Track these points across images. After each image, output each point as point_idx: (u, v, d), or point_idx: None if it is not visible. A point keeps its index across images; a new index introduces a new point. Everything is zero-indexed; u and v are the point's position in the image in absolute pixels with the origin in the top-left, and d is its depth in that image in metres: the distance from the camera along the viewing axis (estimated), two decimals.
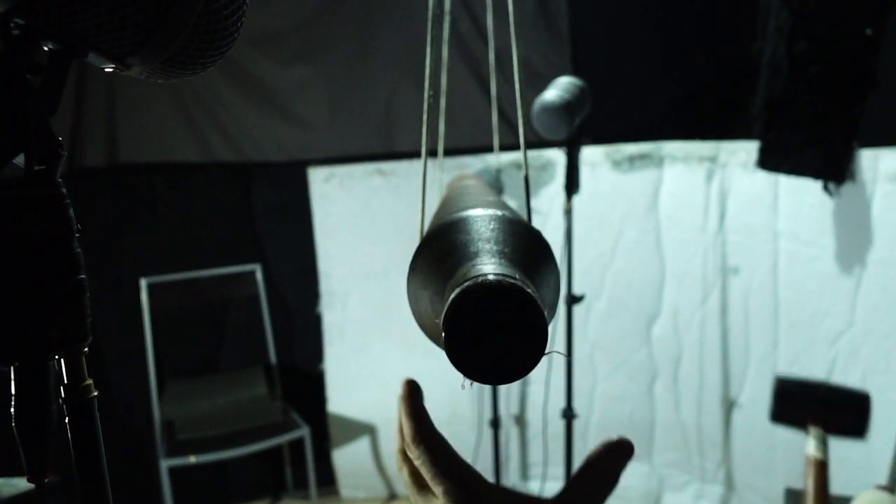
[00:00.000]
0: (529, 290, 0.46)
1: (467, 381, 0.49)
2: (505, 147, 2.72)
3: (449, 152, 2.78)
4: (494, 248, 0.55)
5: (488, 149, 2.73)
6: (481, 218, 0.59)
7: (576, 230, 2.27)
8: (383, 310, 2.85)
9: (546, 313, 0.47)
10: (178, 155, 2.68)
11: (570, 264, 2.18)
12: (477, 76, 2.76)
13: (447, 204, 0.80)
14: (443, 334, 0.46)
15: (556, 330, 2.44)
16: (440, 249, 0.58)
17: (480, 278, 0.47)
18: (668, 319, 2.65)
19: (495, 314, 0.46)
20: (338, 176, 2.79)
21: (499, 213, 0.60)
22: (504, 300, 0.46)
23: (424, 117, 0.83)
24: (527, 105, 1.80)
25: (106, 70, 0.55)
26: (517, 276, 0.48)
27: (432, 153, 2.82)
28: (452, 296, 0.47)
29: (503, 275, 0.47)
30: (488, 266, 0.50)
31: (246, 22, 0.55)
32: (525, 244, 0.57)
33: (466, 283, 0.47)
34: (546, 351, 0.48)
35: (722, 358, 2.54)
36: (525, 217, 0.72)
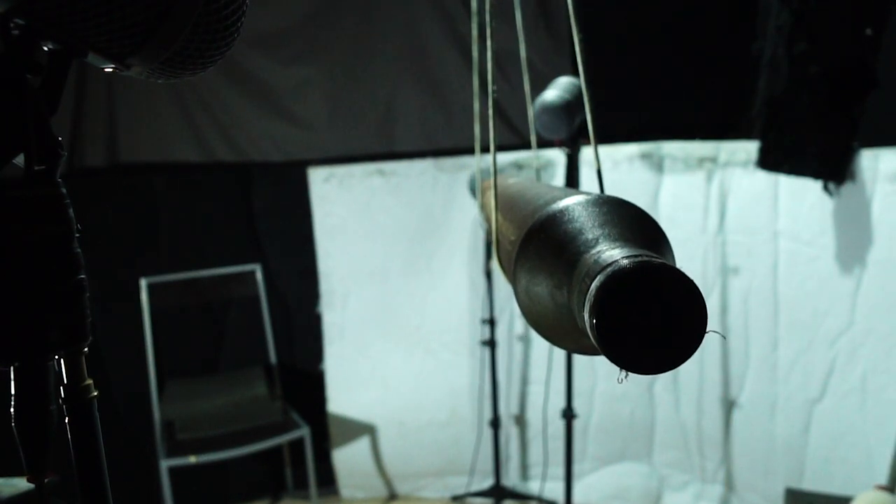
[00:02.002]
0: (682, 269, 0.43)
1: (623, 374, 0.45)
2: (504, 147, 2.72)
3: (449, 152, 2.80)
4: (614, 231, 0.52)
5: (487, 149, 2.73)
6: (587, 204, 0.56)
7: None
8: (383, 310, 2.85)
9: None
10: (178, 155, 2.68)
11: None
12: (478, 76, 2.76)
13: (520, 200, 0.76)
14: (593, 325, 0.43)
15: None
16: (553, 240, 0.55)
17: (623, 261, 0.43)
18: None
19: (651, 297, 0.42)
20: (338, 176, 2.79)
21: (602, 196, 0.56)
22: (658, 282, 0.42)
23: (490, 112, 0.80)
24: (525, 104, 1.80)
25: (106, 70, 0.55)
26: (658, 257, 0.45)
27: (439, 153, 2.82)
28: (597, 283, 0.43)
29: (646, 255, 0.44)
30: (617, 251, 0.46)
31: (246, 22, 0.55)
32: (639, 225, 0.54)
33: (610, 269, 0.43)
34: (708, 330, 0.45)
35: (722, 358, 2.54)
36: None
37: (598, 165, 0.72)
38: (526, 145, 2.74)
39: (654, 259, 0.43)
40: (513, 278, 0.60)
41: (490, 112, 0.80)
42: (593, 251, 0.50)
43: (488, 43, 0.86)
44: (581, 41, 0.76)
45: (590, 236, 0.52)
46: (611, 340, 0.43)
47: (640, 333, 0.43)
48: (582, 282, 0.47)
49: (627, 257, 0.44)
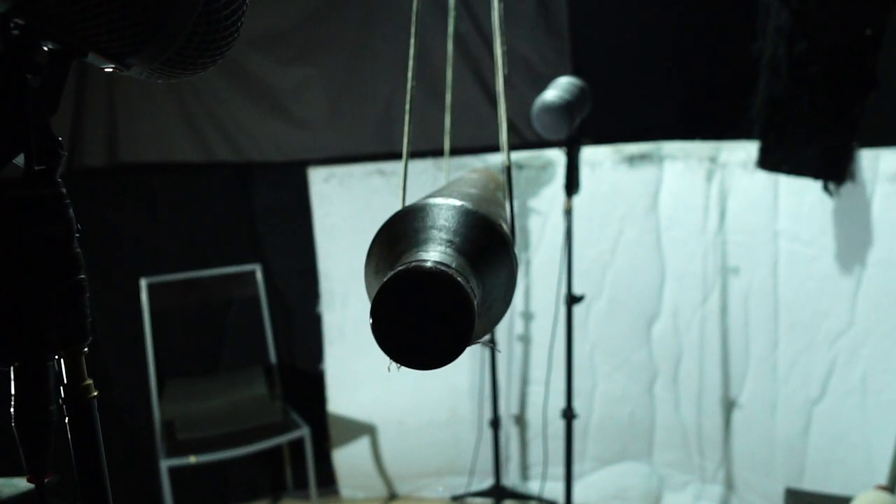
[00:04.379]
0: (459, 278, 0.46)
1: (394, 365, 0.50)
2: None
3: (449, 152, 2.79)
4: (444, 236, 0.56)
5: (487, 149, 2.73)
6: (439, 207, 0.59)
7: (576, 230, 2.27)
8: None
9: (476, 302, 0.47)
10: (178, 155, 2.68)
11: (570, 264, 2.18)
12: (477, 76, 2.76)
13: (429, 195, 0.80)
14: (370, 315, 0.47)
15: (556, 330, 2.45)
16: (395, 235, 0.59)
17: (413, 264, 0.47)
18: (668, 319, 2.66)
19: (421, 299, 0.46)
20: (338, 176, 2.79)
21: (458, 203, 0.59)
22: (430, 286, 0.46)
23: (408, 107, 0.83)
24: (526, 104, 1.80)
25: (106, 70, 0.55)
26: (453, 265, 0.48)
27: (438, 153, 2.82)
28: (385, 279, 0.47)
29: (437, 262, 0.48)
30: (431, 254, 0.51)
31: (246, 22, 0.55)
32: (478, 236, 0.57)
33: (398, 268, 0.47)
34: (476, 340, 0.48)
35: (722, 358, 2.54)
36: (507, 212, 0.70)
37: (508, 163, 0.76)
38: (525, 145, 2.74)
39: (438, 266, 0.47)
40: (365, 262, 0.64)
41: (407, 107, 0.82)
42: (414, 250, 0.54)
43: (413, 30, 0.86)
44: (504, 53, 0.79)
45: (421, 237, 0.56)
46: (380, 331, 0.48)
47: (408, 331, 0.47)
48: (383, 278, 0.50)
49: (418, 261, 0.48)
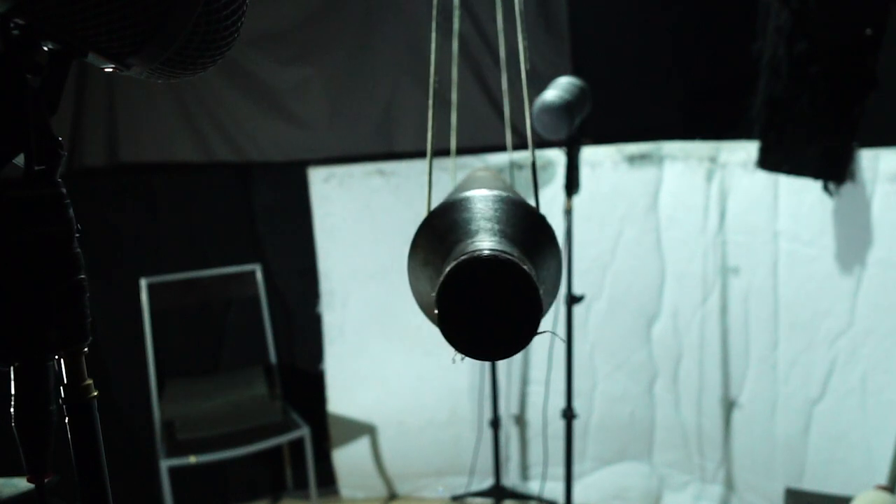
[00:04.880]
0: (525, 266, 0.45)
1: (458, 356, 0.48)
2: (504, 147, 2.72)
3: (449, 153, 2.79)
4: (495, 226, 0.55)
5: (488, 149, 2.73)
6: (484, 198, 0.59)
7: (576, 230, 2.27)
8: (383, 310, 2.85)
9: (541, 291, 0.46)
10: (178, 155, 2.68)
11: (570, 264, 2.18)
12: (477, 76, 2.76)
13: (456, 190, 0.80)
14: (436, 306, 0.46)
15: (556, 329, 2.45)
16: (441, 227, 0.58)
17: (476, 253, 0.46)
18: (668, 319, 2.66)
19: (490, 288, 0.45)
20: (338, 176, 2.79)
21: (503, 194, 0.59)
22: (498, 274, 0.45)
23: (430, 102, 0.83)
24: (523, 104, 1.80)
25: (106, 70, 0.55)
26: (514, 253, 0.47)
27: (438, 153, 2.82)
28: (447, 270, 0.46)
29: (499, 251, 0.46)
30: (486, 243, 0.49)
31: (246, 22, 0.55)
32: (526, 225, 0.56)
33: (462, 258, 0.46)
34: (542, 330, 0.47)
35: (722, 358, 2.54)
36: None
37: (533, 159, 0.75)
38: (525, 145, 2.74)
39: (502, 254, 0.46)
40: (408, 256, 0.63)
41: (430, 103, 0.82)
42: (468, 240, 0.52)
43: (433, 36, 0.86)
44: (526, 48, 0.79)
45: (472, 227, 0.55)
46: (448, 323, 0.46)
47: (476, 321, 0.46)
48: (445, 267, 0.49)
49: (482, 250, 0.46)
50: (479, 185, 0.76)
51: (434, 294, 0.47)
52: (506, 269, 0.45)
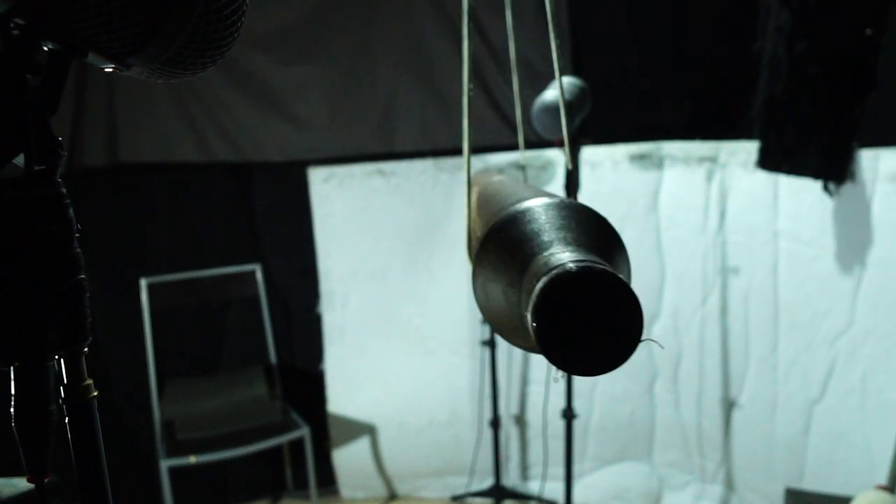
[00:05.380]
0: (622, 277, 0.44)
1: (559, 374, 0.47)
2: (505, 147, 2.72)
3: (449, 152, 2.80)
4: (568, 235, 0.54)
5: (488, 149, 2.73)
6: (549, 206, 0.57)
7: None
8: (383, 310, 2.85)
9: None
10: (178, 155, 2.68)
11: None
12: (477, 76, 2.76)
13: (494, 198, 0.78)
14: (532, 324, 0.44)
15: None
16: (511, 240, 0.56)
17: (570, 265, 0.44)
18: (668, 319, 2.66)
19: (588, 301, 0.44)
20: (338, 176, 2.79)
21: (566, 200, 0.58)
22: (596, 286, 0.44)
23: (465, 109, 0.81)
24: (526, 104, 1.80)
25: (106, 70, 0.55)
26: (604, 264, 0.46)
27: (439, 153, 2.82)
28: (539, 286, 0.44)
29: (591, 261, 0.45)
30: (567, 254, 0.48)
31: (246, 22, 0.55)
32: (598, 232, 0.56)
33: (553, 272, 0.45)
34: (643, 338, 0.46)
35: (722, 358, 2.54)
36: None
37: (570, 166, 0.74)
38: (525, 145, 2.74)
39: (596, 265, 0.45)
40: (472, 275, 0.62)
41: (465, 110, 0.82)
42: (546, 253, 0.51)
43: (465, 45, 0.86)
44: (559, 46, 0.79)
45: (545, 238, 0.54)
46: (548, 340, 0.44)
47: (576, 336, 0.44)
48: (530, 282, 0.48)
49: (573, 262, 0.45)
50: (521, 190, 0.74)
51: (527, 312, 0.45)
52: (603, 280, 0.44)
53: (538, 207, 0.57)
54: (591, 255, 0.48)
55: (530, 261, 0.52)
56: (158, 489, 2.42)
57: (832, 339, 2.24)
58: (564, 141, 0.78)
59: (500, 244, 0.57)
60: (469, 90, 0.88)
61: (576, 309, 0.44)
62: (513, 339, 0.60)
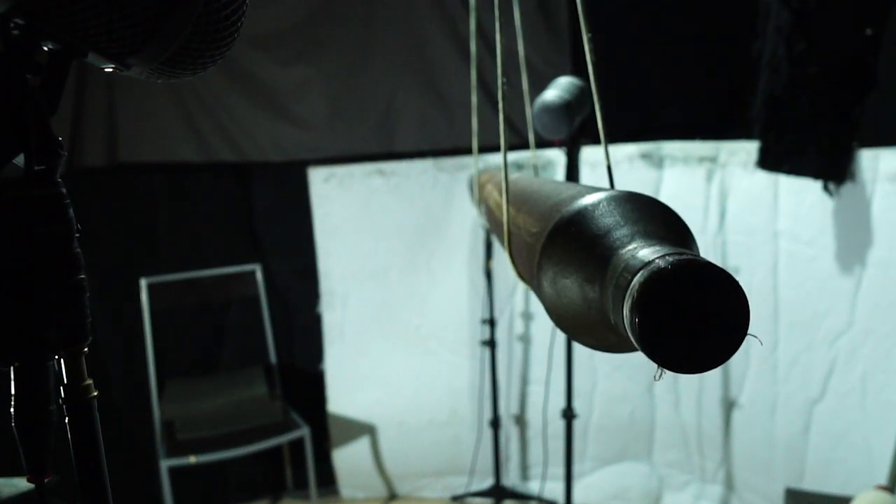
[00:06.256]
0: (723, 268, 0.43)
1: (659, 371, 0.45)
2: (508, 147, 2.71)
3: (449, 152, 2.80)
4: (649, 228, 0.52)
5: (489, 149, 2.73)
6: (619, 200, 0.56)
7: None
8: (383, 310, 2.85)
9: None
10: (178, 155, 2.68)
11: None
12: (477, 76, 2.76)
13: (539, 193, 0.76)
14: (634, 322, 0.43)
15: (556, 330, 2.44)
16: (585, 234, 0.54)
17: (669, 258, 0.43)
18: None
19: (694, 296, 0.42)
20: (338, 176, 2.79)
21: (633, 193, 0.57)
22: (703, 280, 0.42)
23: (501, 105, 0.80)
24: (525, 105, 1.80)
25: (106, 70, 0.55)
26: (703, 258, 0.44)
27: (439, 153, 2.81)
28: (640, 279, 0.43)
29: (692, 254, 0.44)
30: (658, 248, 0.46)
31: (246, 22, 0.55)
32: (670, 224, 0.54)
33: (654, 266, 0.43)
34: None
35: None
36: None
37: (609, 162, 0.73)
38: (526, 145, 2.74)
39: (696, 258, 0.43)
40: (537, 270, 0.60)
41: (500, 105, 0.80)
42: (629, 247, 0.50)
43: (498, 38, 0.86)
44: (590, 40, 0.78)
45: (625, 232, 0.52)
46: (652, 337, 0.43)
47: (681, 332, 0.43)
48: (619, 277, 0.46)
49: (669, 254, 0.44)
50: (568, 185, 0.73)
51: (626, 309, 0.44)
52: (707, 273, 0.42)
53: (608, 200, 0.56)
54: (678, 248, 0.46)
55: (612, 255, 0.50)
56: (158, 489, 2.42)
57: (832, 339, 2.24)
58: (601, 137, 0.77)
59: (572, 238, 0.56)
60: (503, 84, 0.86)
61: (678, 304, 0.42)
62: (582, 337, 0.59)
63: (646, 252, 0.46)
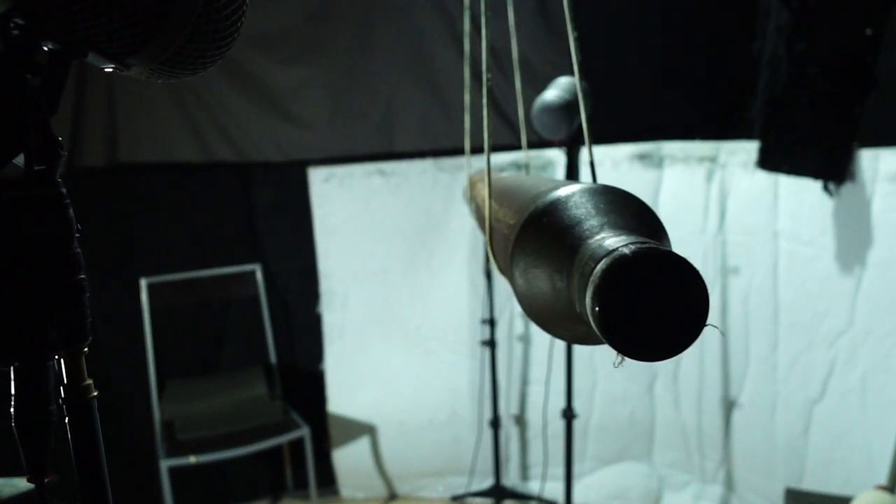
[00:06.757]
0: (686, 258, 0.43)
1: (619, 358, 0.45)
2: (505, 147, 2.72)
3: (449, 152, 2.80)
4: (619, 220, 0.53)
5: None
6: (593, 192, 0.56)
7: None
8: (383, 310, 2.85)
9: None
10: (178, 155, 2.68)
11: None
12: (477, 76, 2.76)
13: (519, 188, 0.76)
14: (594, 309, 0.43)
15: None
16: (556, 225, 0.54)
17: (632, 246, 0.43)
18: None
19: (654, 284, 0.42)
20: (338, 176, 2.79)
21: (608, 186, 0.57)
22: (663, 269, 0.42)
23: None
24: (526, 104, 1.80)
25: (106, 70, 0.55)
26: (665, 246, 0.45)
27: (439, 153, 2.81)
28: (602, 267, 0.43)
29: (654, 243, 0.44)
30: (623, 237, 0.46)
31: (246, 22, 0.55)
32: (641, 216, 0.54)
33: (616, 254, 0.43)
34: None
35: (722, 358, 2.54)
36: None
37: (591, 158, 0.73)
38: (527, 144, 2.74)
39: (659, 246, 0.43)
40: (510, 261, 0.60)
41: (484, 101, 0.81)
42: (597, 237, 0.50)
43: (483, 33, 0.86)
44: (576, 39, 0.78)
45: (594, 223, 0.52)
46: (611, 324, 0.43)
47: (641, 319, 0.43)
48: (584, 266, 0.46)
49: (634, 243, 0.44)
50: (547, 180, 0.73)
51: (586, 297, 0.44)
52: (667, 262, 0.43)
53: (581, 192, 0.56)
54: (644, 238, 0.46)
55: (580, 245, 0.50)
56: (158, 489, 2.42)
57: (832, 339, 2.24)
58: (585, 135, 0.77)
59: (543, 229, 0.56)
60: (488, 80, 0.86)
61: (638, 292, 0.42)
62: (553, 329, 0.59)
63: (612, 241, 0.46)
